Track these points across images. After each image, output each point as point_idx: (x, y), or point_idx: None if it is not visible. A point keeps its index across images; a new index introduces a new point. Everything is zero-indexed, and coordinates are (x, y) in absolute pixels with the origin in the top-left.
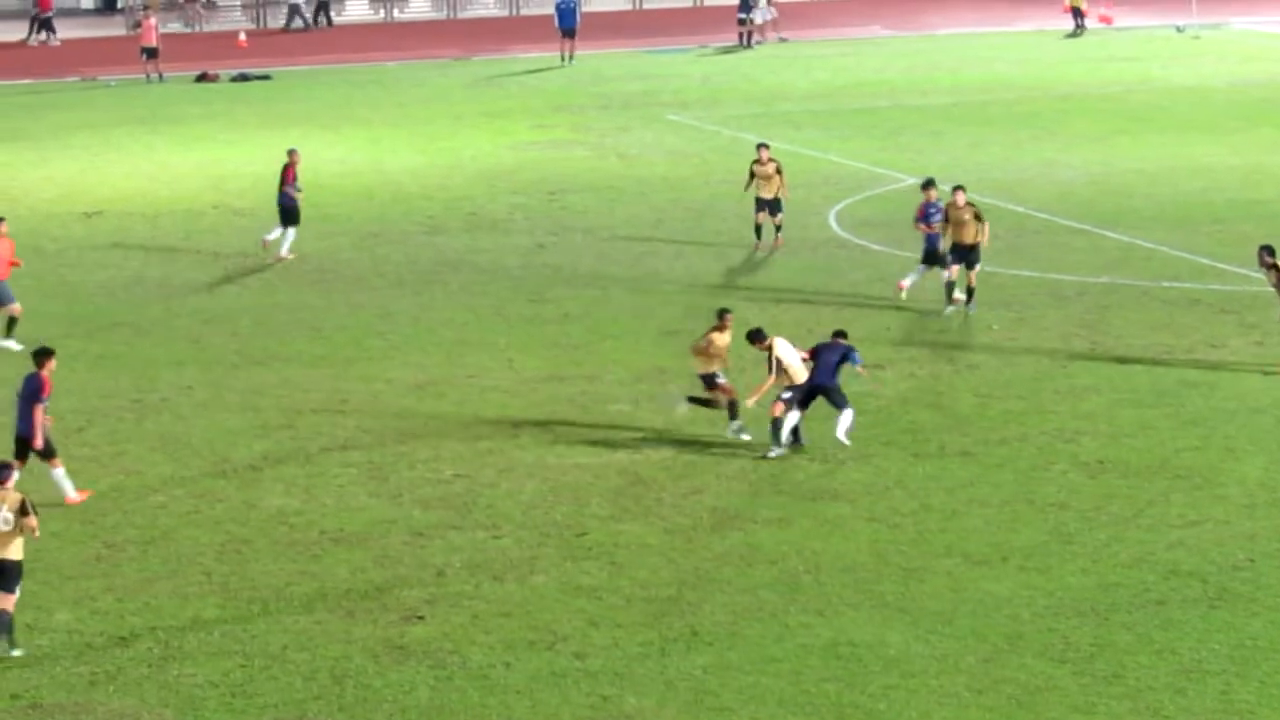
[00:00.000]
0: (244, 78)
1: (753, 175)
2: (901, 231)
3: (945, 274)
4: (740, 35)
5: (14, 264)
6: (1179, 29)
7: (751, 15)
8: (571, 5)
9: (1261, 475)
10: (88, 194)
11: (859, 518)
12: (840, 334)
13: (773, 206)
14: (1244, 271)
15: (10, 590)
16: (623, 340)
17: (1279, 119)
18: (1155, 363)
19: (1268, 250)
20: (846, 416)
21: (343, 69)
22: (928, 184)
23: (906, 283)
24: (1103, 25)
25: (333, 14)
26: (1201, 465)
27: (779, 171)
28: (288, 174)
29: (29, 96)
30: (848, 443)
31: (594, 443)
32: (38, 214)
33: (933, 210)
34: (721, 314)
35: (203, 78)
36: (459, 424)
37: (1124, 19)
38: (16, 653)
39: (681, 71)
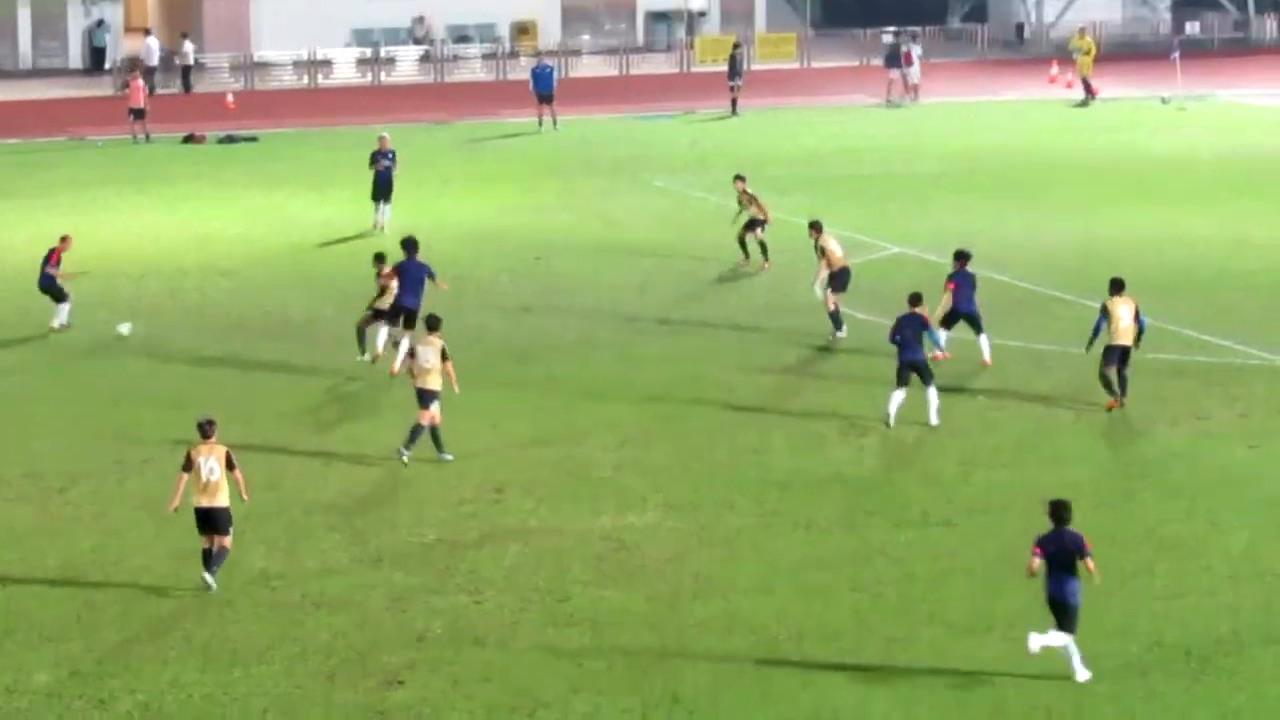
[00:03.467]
0: (231, 139)
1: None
2: (887, 300)
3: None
4: (890, 90)
5: None
6: (1164, 100)
7: (906, 73)
8: (548, 70)
9: (1245, 548)
10: (73, 253)
11: (842, 586)
12: (915, 298)
13: (750, 224)
14: (1228, 344)
15: (224, 532)
16: (607, 404)
17: (1263, 190)
18: (1140, 433)
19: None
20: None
21: (329, 131)
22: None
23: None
24: (1092, 96)
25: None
26: (1186, 536)
27: (752, 201)
28: (53, 256)
29: (16, 155)
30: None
31: (577, 507)
32: (23, 273)
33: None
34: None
35: (190, 139)
36: (442, 486)
37: (1109, 89)
38: (209, 578)
39: (668, 137)
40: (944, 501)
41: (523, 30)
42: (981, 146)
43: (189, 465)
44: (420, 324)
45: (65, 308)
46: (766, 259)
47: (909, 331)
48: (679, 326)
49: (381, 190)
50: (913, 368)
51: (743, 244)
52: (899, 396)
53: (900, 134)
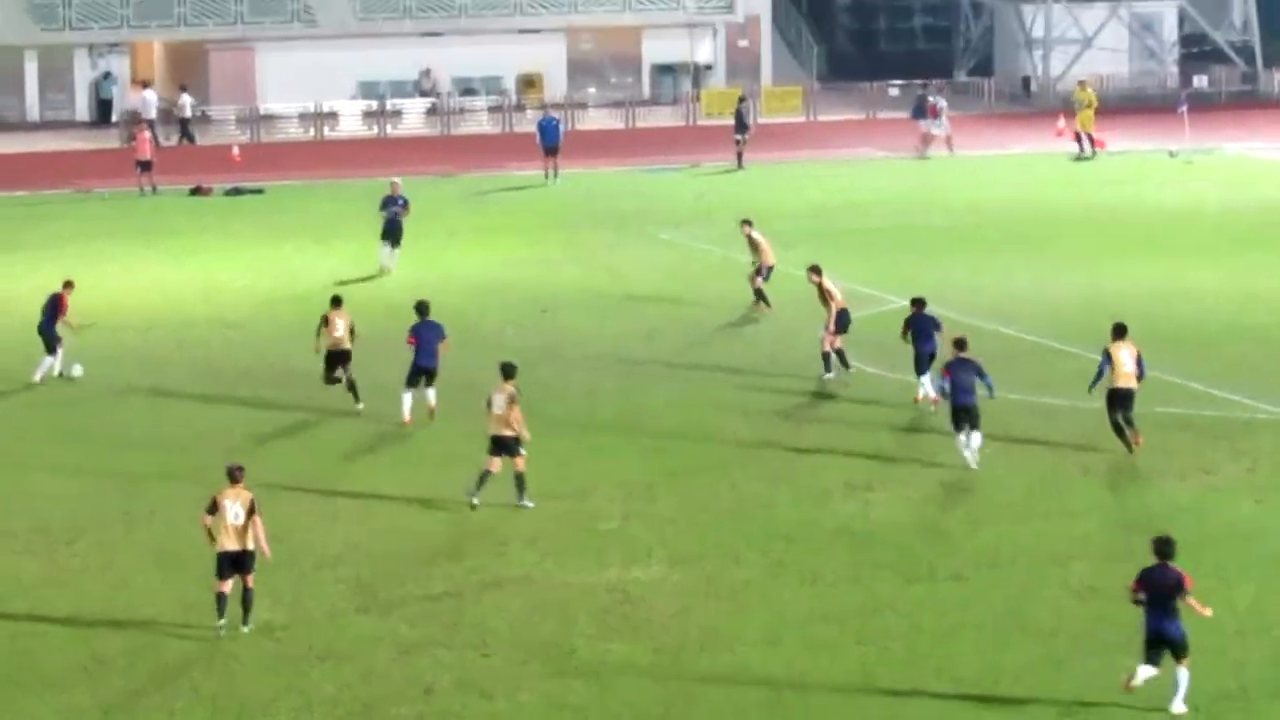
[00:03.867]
0: (237, 191)
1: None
2: (893, 352)
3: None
4: (921, 142)
5: None
6: (1172, 153)
7: (931, 125)
8: (554, 122)
9: (1252, 602)
10: (80, 305)
11: (848, 640)
12: (960, 343)
13: (757, 271)
14: (1236, 397)
15: (248, 571)
16: (613, 456)
17: (1272, 243)
18: (1146, 487)
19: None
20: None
21: (335, 183)
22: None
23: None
24: (1098, 149)
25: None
26: (1193, 591)
27: (754, 247)
28: (62, 304)
29: (23, 207)
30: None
31: (583, 560)
32: (29, 324)
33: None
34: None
35: (196, 191)
36: (448, 538)
37: (1117, 143)
38: (246, 629)
39: (674, 190)
40: (952, 555)
41: (529, 83)
42: (988, 199)
43: (214, 509)
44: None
45: (49, 362)
46: (767, 304)
47: (963, 376)
48: (685, 378)
49: (390, 234)
50: (965, 411)
51: (760, 293)
52: (964, 439)
53: (907, 187)
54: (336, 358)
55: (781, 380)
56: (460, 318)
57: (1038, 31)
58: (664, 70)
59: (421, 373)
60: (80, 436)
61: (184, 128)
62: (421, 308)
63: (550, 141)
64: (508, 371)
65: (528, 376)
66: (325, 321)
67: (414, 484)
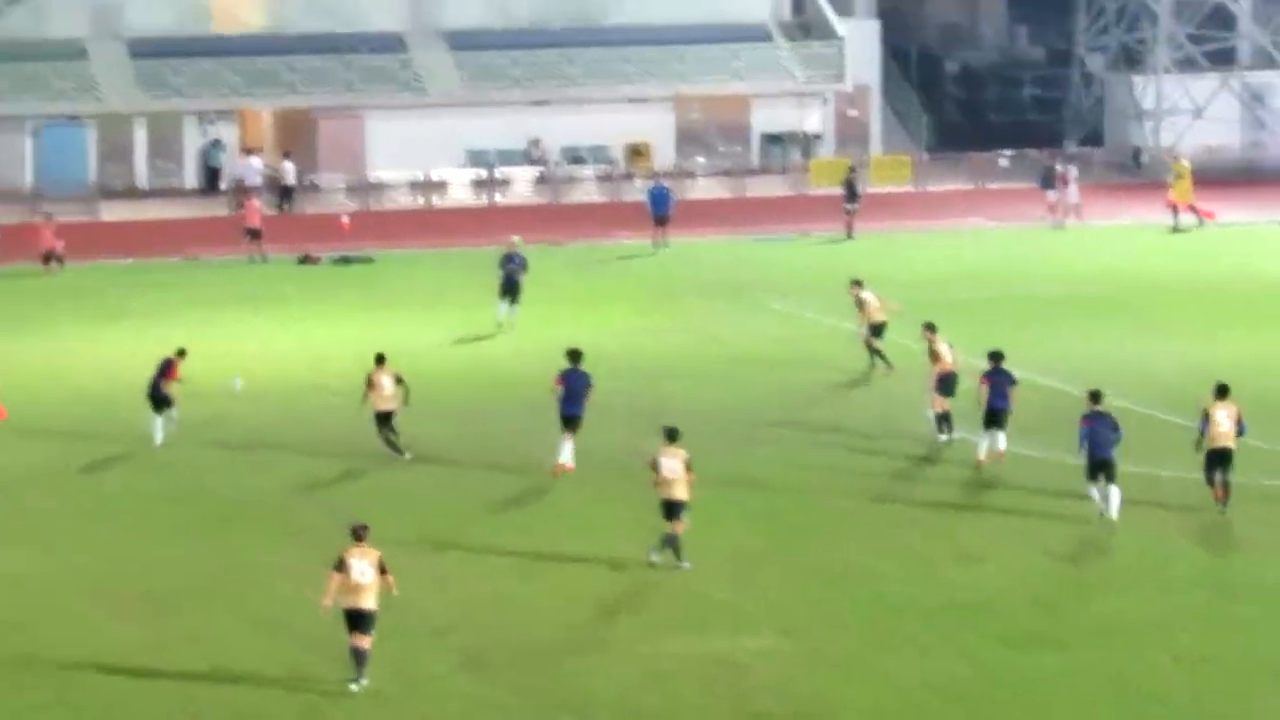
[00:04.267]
0: (346, 260)
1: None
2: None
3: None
4: (1052, 211)
5: None
6: None
7: (1064, 195)
8: (665, 191)
9: None
10: (185, 371)
11: (955, 710)
12: (1095, 396)
13: (873, 330)
14: None
15: (366, 632)
16: (719, 525)
17: None
18: (1255, 559)
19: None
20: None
21: (444, 252)
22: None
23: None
24: (1206, 220)
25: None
26: None
27: (859, 305)
28: (171, 370)
29: (131, 275)
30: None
31: (690, 629)
32: (134, 390)
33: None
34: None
35: (305, 260)
36: (554, 606)
37: (1226, 214)
38: (355, 686)
39: (782, 260)
40: (1059, 624)
41: (636, 152)
42: (1098, 270)
43: (341, 566)
44: (662, 435)
45: (161, 422)
46: (887, 363)
47: (1102, 430)
48: (792, 441)
49: (508, 291)
50: (1103, 466)
51: (877, 352)
52: (1097, 492)
53: (1016, 257)
54: (385, 417)
55: (890, 443)
56: None
57: (1148, 103)
58: (773, 140)
59: (566, 420)
60: (186, 499)
61: (286, 195)
62: (573, 355)
63: (661, 210)
64: (672, 435)
65: (633, 444)
66: (370, 383)
67: (521, 553)
